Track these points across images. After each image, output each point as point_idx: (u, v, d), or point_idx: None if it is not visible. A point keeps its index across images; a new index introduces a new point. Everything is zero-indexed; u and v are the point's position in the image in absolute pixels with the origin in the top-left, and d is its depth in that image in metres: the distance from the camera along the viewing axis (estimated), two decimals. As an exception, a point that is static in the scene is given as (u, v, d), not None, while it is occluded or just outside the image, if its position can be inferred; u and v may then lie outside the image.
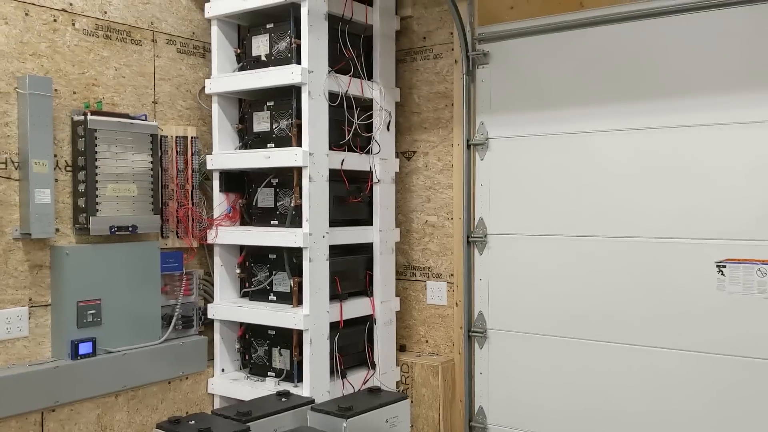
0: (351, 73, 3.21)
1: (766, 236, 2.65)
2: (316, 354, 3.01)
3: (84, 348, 2.75)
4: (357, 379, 3.28)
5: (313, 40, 2.97)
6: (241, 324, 3.27)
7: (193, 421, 2.15)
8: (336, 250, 3.18)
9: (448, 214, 3.50)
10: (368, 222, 3.39)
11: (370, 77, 3.36)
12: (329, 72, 3.07)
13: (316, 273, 3.00)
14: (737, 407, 2.72)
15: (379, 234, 3.37)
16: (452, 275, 3.49)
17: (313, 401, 2.44)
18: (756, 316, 2.67)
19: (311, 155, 2.96)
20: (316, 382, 3.00)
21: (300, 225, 2.99)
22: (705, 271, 2.77)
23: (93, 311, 2.80)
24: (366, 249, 3.39)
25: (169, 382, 3.09)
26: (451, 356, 3.49)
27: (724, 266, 2.72)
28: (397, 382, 3.50)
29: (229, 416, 2.23)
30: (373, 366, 3.38)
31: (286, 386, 2.98)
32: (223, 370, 3.28)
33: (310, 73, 2.95)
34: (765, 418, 2.66)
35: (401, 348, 3.64)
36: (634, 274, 2.94)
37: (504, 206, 3.30)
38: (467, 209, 3.38)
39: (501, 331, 3.33)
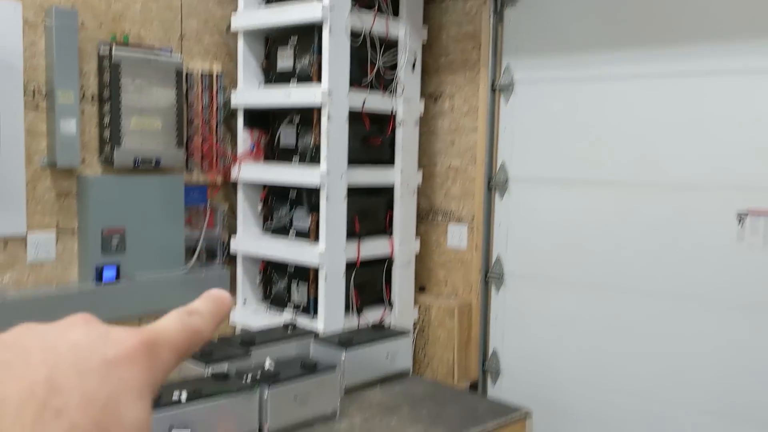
0: (376, 9, 3.18)
1: (791, 188, 2.55)
2: (331, 290, 3.08)
3: (108, 273, 2.89)
4: (373, 316, 3.34)
5: (336, -24, 2.95)
6: (263, 258, 3.36)
7: (198, 345, 2.25)
8: (356, 191, 3.21)
9: (471, 158, 3.47)
10: (390, 163, 3.39)
11: (396, 14, 3.32)
12: (352, 8, 3.04)
13: (333, 211, 3.05)
14: (752, 359, 2.67)
15: (400, 175, 3.38)
16: (473, 219, 3.49)
17: (316, 334, 2.52)
18: (774, 270, 2.59)
19: (330, 94, 2.97)
20: (331, 316, 3.08)
21: (318, 163, 3.02)
22: (725, 221, 2.69)
23: (117, 239, 2.93)
24: (387, 191, 3.41)
25: (192, 311, 3.21)
26: (469, 299, 3.52)
27: (746, 216, 2.64)
28: (414, 323, 3.56)
29: (233, 343, 2.33)
30: (391, 305, 3.44)
31: (303, 320, 3.07)
32: (245, 301, 3.40)
33: (331, 10, 2.94)
34: (775, 373, 2.61)
35: (421, 289, 3.68)
36: (655, 222, 2.88)
37: (526, 151, 3.25)
38: (489, 153, 3.35)
39: (517, 276, 3.33)
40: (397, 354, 2.50)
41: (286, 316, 3.21)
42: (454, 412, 2.21)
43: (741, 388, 2.69)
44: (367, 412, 2.18)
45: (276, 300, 3.33)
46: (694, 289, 2.78)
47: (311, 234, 3.13)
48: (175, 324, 0.37)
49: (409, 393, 2.37)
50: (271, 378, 1.98)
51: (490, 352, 3.43)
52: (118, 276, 2.92)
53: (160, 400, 1.77)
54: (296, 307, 3.23)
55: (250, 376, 1.99)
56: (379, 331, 2.55)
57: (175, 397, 1.79)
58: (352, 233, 3.20)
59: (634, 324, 2.96)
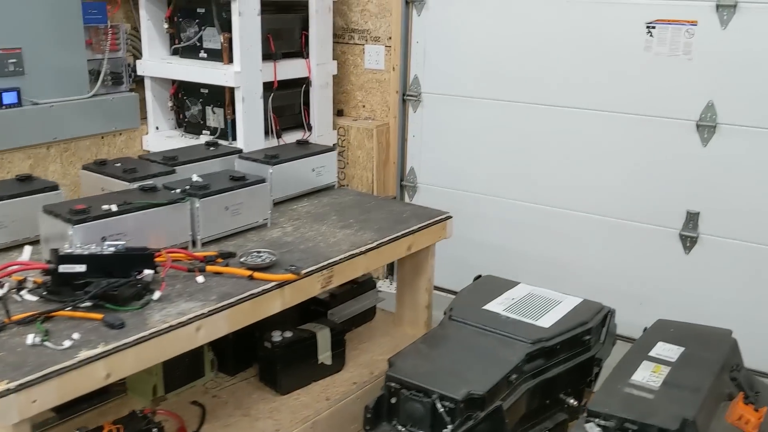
0: None
1: (698, -4, 2.63)
2: (249, 112, 3.02)
3: (8, 98, 2.70)
4: (293, 139, 3.33)
5: None
6: (174, 82, 3.23)
7: (119, 164, 2.20)
8: (268, 7, 3.06)
9: (387, -28, 3.35)
10: (303, -22, 3.23)
11: None
12: None
13: (246, 29, 2.91)
14: (657, 163, 2.88)
15: (314, -9, 3.24)
16: (390, 38, 3.43)
17: (240, 151, 2.49)
18: (678, 77, 2.73)
19: None
20: (251, 139, 3.05)
21: (227, -25, 2.84)
22: (634, 31, 2.77)
23: (14, 60, 2.71)
24: (302, 7, 3.27)
25: (102, 137, 3.10)
26: (387, 120, 3.55)
27: (654, 27, 2.73)
28: (334, 145, 3.57)
29: (155, 161, 2.28)
30: (310, 128, 3.42)
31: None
32: (157, 128, 3.30)
33: None
34: (674, 166, 2.83)
35: (339, 113, 3.67)
36: (566, 33, 2.94)
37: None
38: (406, -34, 3.24)
39: (435, 94, 3.36)
40: (323, 169, 2.53)
41: (202, 140, 3.15)
42: (381, 217, 2.30)
43: (644, 193, 2.92)
44: (297, 221, 2.24)
45: (191, 125, 3.24)
46: (602, 101, 2.91)
47: (224, 53, 3.00)
48: None
49: (336, 203, 2.43)
50: (201, 190, 1.98)
51: (408, 169, 3.53)
52: (19, 101, 2.74)
53: (90, 212, 1.75)
54: (213, 132, 3.16)
55: (179, 189, 1.97)
56: (304, 148, 2.55)
57: (105, 208, 1.77)
58: (267, 54, 3.09)
59: (544, 136, 3.09)
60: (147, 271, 1.67)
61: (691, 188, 2.80)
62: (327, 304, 2.36)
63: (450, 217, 2.37)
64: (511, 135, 3.18)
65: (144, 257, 1.68)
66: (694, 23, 2.65)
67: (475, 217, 3.32)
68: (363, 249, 2.04)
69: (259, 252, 1.89)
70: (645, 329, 2.11)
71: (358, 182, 3.57)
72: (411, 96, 3.42)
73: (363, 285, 2.50)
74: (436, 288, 2.96)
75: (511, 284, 2.33)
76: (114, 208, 1.79)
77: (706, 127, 2.71)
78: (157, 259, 1.71)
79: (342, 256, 1.98)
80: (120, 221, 1.78)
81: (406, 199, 3.56)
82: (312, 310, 2.34)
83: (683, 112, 2.75)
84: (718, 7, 2.60)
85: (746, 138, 2.65)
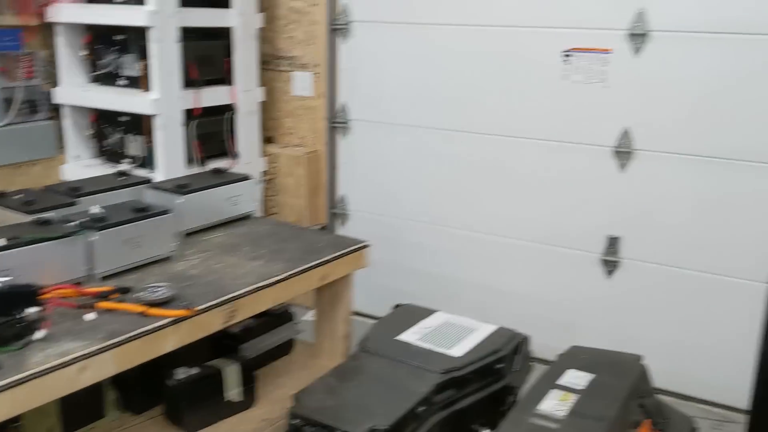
0: None
1: (610, 25, 2.68)
2: (169, 141, 2.96)
3: None
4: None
5: None
6: (93, 110, 3.15)
7: (19, 195, 2.11)
8: (191, 34, 3.02)
9: (313, -1, 3.35)
10: (226, 4, 3.19)
11: None
12: None
13: (165, 56, 2.86)
14: (577, 189, 2.91)
15: (239, 17, 3.20)
16: (317, 65, 3.42)
17: (150, 180, 2.43)
18: (594, 104, 2.77)
19: None
20: (171, 168, 2.98)
21: (143, 3, 2.79)
22: (552, 59, 2.81)
23: None
24: (225, 34, 3.24)
25: (18, 167, 2.99)
26: (317, 147, 3.52)
27: (570, 55, 2.77)
28: (264, 172, 3.53)
29: (58, 191, 2.20)
30: (236, 156, 3.37)
31: (142, 173, 2.95)
32: (78, 156, 3.20)
33: None
34: (594, 192, 2.86)
35: (268, 140, 3.63)
36: (484, 63, 2.96)
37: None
38: (330, -7, 3.24)
39: (363, 121, 3.35)
40: (240, 198, 2.47)
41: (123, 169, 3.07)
42: (296, 247, 2.25)
43: (565, 219, 2.94)
44: (207, 253, 2.17)
45: (111, 154, 3.16)
46: (523, 128, 2.94)
47: (141, 82, 2.94)
48: None
49: (252, 233, 2.38)
50: (98, 222, 1.90)
51: (338, 197, 3.49)
52: None
53: (-28, 248, 1.66)
54: (133, 160, 3.08)
55: (75, 221, 1.90)
56: (219, 176, 2.50)
57: (-12, 244, 1.69)
58: (190, 82, 3.04)
59: (470, 162, 3.10)
60: (30, 310, 1.58)
61: (612, 214, 2.83)
62: (239, 338, 2.29)
63: (367, 246, 2.33)
64: (435, 161, 3.18)
65: (27, 294, 1.60)
66: (608, 51, 2.69)
67: (405, 243, 3.30)
68: (271, 281, 1.99)
69: (156, 287, 1.82)
70: (558, 356, 2.10)
71: (289, 210, 3.52)
72: (339, 123, 3.40)
73: (279, 317, 2.44)
74: (367, 316, 2.94)
75: (428, 313, 2.30)
76: (1, 243, 1.71)
77: (623, 153, 2.75)
78: (43, 297, 1.63)
79: (247, 289, 1.91)
80: (6, 257, 1.70)
81: (338, 227, 3.52)
82: (224, 344, 2.27)
83: (601, 138, 2.78)
84: (630, 35, 2.65)
85: (662, 163, 2.70)
